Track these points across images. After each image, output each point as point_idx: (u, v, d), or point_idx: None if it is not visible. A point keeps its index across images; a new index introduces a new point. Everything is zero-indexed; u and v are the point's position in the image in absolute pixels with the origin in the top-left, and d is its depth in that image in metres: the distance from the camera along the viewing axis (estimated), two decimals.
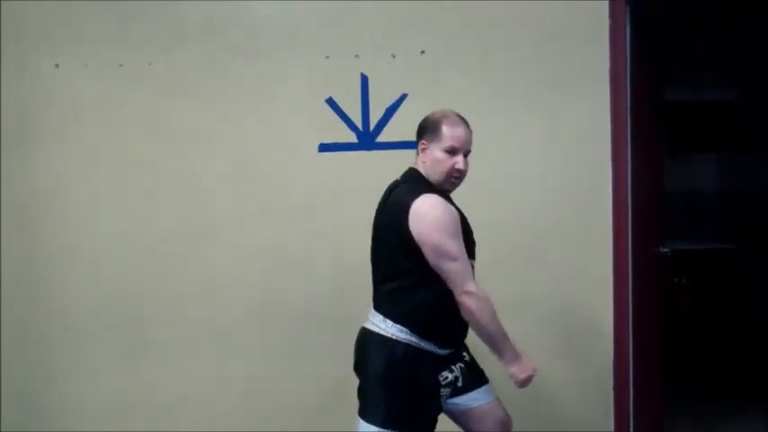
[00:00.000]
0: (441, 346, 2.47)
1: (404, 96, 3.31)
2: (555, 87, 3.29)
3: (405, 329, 2.42)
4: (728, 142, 5.35)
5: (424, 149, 2.51)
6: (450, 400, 2.55)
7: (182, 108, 3.44)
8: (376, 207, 2.58)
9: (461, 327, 2.50)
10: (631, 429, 3.34)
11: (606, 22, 3.25)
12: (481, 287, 2.42)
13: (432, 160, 2.48)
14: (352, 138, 3.36)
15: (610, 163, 3.27)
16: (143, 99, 3.46)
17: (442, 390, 2.48)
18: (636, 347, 3.35)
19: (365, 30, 3.36)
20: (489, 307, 2.41)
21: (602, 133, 3.27)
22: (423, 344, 2.43)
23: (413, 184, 2.48)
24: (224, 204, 3.45)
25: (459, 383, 2.53)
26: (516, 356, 2.45)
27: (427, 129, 2.51)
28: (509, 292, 3.26)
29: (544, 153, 3.32)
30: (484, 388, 2.62)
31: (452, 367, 2.51)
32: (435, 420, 2.52)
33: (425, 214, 2.37)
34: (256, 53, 3.41)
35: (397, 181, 2.57)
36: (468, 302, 2.37)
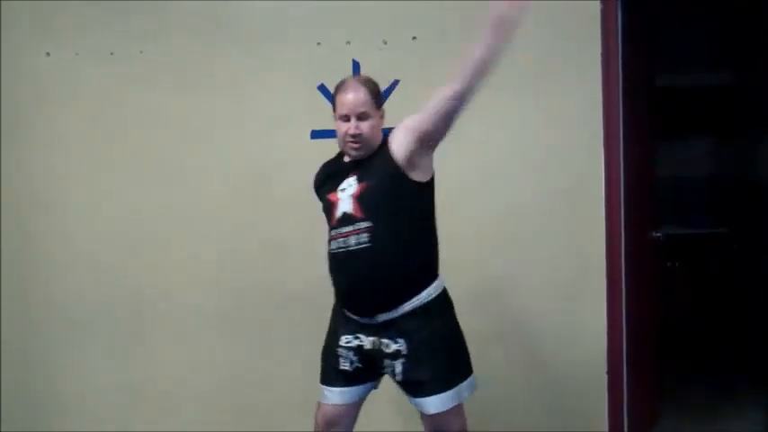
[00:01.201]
0: (342, 307, 2.53)
1: (396, 82, 3.30)
2: (547, 72, 3.28)
3: None
4: (721, 127, 5.37)
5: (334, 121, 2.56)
6: (407, 395, 2.49)
7: (173, 95, 3.44)
8: None
9: (343, 293, 2.52)
10: (625, 414, 3.36)
11: (598, 6, 3.25)
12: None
13: (336, 129, 2.52)
14: None
15: (602, 148, 3.27)
16: (134, 87, 3.46)
17: (340, 349, 2.50)
18: (629, 332, 3.36)
19: (356, 16, 3.36)
20: (449, 85, 2.37)
21: (594, 118, 3.26)
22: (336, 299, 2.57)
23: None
24: (217, 192, 3.45)
25: (396, 371, 2.42)
26: (495, 17, 2.35)
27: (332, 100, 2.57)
28: (502, 277, 3.30)
29: (536, 138, 3.31)
30: (422, 400, 2.42)
31: (361, 336, 2.45)
32: (349, 376, 2.51)
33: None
34: (248, 40, 3.41)
35: None
36: (450, 95, 2.40)
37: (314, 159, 3.34)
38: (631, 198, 3.39)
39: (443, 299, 2.50)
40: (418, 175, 2.44)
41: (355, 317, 2.47)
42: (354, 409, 2.59)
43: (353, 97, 2.46)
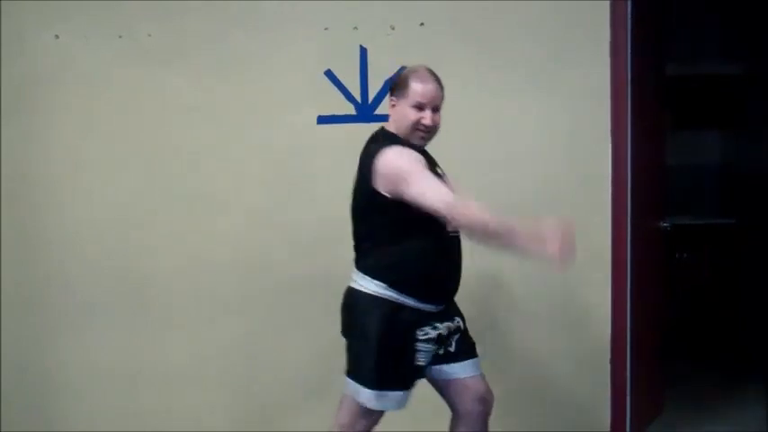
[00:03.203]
0: (422, 301, 2.46)
1: (403, 68, 3.25)
2: (555, 59, 3.26)
3: (383, 285, 2.44)
4: (732, 117, 5.34)
5: (393, 106, 2.54)
6: (436, 367, 2.55)
7: (181, 79, 3.44)
8: None
9: (441, 282, 2.51)
10: (628, 404, 3.36)
11: None
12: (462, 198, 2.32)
13: (400, 116, 2.49)
14: (350, 110, 3.35)
15: (609, 138, 3.26)
16: (142, 70, 3.46)
17: (420, 344, 2.46)
18: (633, 322, 3.35)
19: (364, 1, 3.34)
20: (473, 207, 2.26)
21: (602, 106, 3.25)
22: (401, 298, 2.43)
23: (381, 140, 2.50)
24: (223, 175, 3.46)
25: (452, 348, 2.54)
26: (532, 234, 2.15)
27: (397, 85, 2.54)
28: (506, 265, 3.28)
29: (543, 125, 3.30)
30: (469, 362, 2.61)
31: (437, 324, 2.49)
32: (415, 375, 2.51)
33: (384, 157, 2.40)
34: (255, 25, 3.40)
35: (366, 141, 2.58)
36: (456, 221, 2.33)
37: (320, 144, 3.38)
38: (638, 188, 3.37)
39: None
40: None
41: (431, 306, 2.48)
42: None
43: (434, 89, 2.49)
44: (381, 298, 2.44)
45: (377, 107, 3.32)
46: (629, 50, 3.27)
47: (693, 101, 5.39)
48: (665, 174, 4.14)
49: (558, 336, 3.34)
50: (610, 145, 3.26)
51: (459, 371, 2.58)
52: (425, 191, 2.31)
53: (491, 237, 2.28)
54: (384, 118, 3.24)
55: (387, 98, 2.64)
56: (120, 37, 3.46)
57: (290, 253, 3.44)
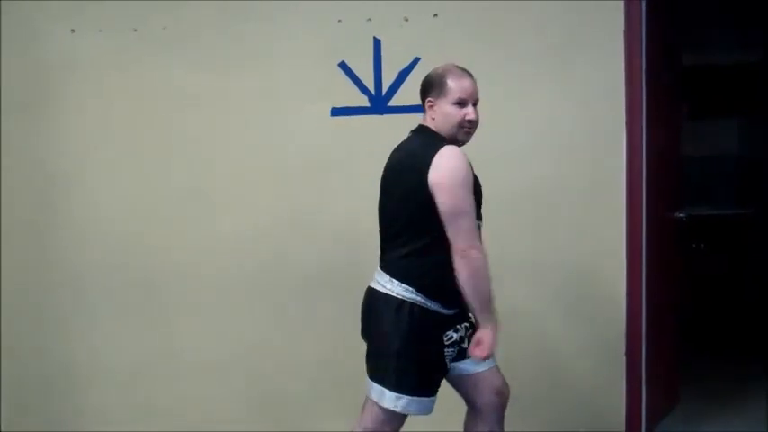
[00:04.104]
0: (446, 306, 2.45)
1: (416, 60, 3.28)
2: (569, 49, 3.24)
3: (411, 289, 2.41)
4: (748, 107, 5.29)
5: (431, 106, 2.50)
6: (452, 364, 2.54)
7: (195, 71, 3.45)
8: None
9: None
10: (644, 396, 3.34)
11: None
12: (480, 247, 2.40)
13: (441, 115, 2.47)
14: (364, 102, 3.35)
15: (624, 128, 3.24)
16: (157, 63, 3.48)
17: (446, 349, 2.47)
18: (649, 314, 3.34)
19: None
20: (487, 267, 2.40)
21: (616, 96, 3.22)
22: (428, 303, 2.42)
23: (428, 138, 2.47)
24: (238, 167, 3.47)
25: (465, 344, 2.52)
26: (494, 326, 2.41)
27: (433, 85, 2.50)
28: (522, 257, 3.28)
29: (558, 116, 3.28)
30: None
31: (458, 326, 2.50)
32: (441, 379, 2.52)
33: (447, 163, 2.35)
34: (270, 17, 3.40)
35: (406, 140, 2.54)
36: (470, 259, 2.35)
37: (333, 137, 3.37)
38: (653, 178, 3.36)
39: None
40: None
41: (451, 310, 2.47)
42: None
43: (472, 84, 2.48)
44: (408, 302, 2.42)
45: (391, 99, 3.32)
46: (644, 40, 3.24)
47: (710, 91, 5.35)
48: (681, 164, 4.11)
49: (573, 328, 3.33)
50: (624, 135, 3.24)
51: (473, 366, 2.56)
52: (468, 228, 2.37)
53: (478, 296, 2.38)
54: (398, 110, 3.29)
55: (423, 101, 2.56)
56: (134, 30, 3.48)
57: (302, 248, 3.44)
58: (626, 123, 3.23)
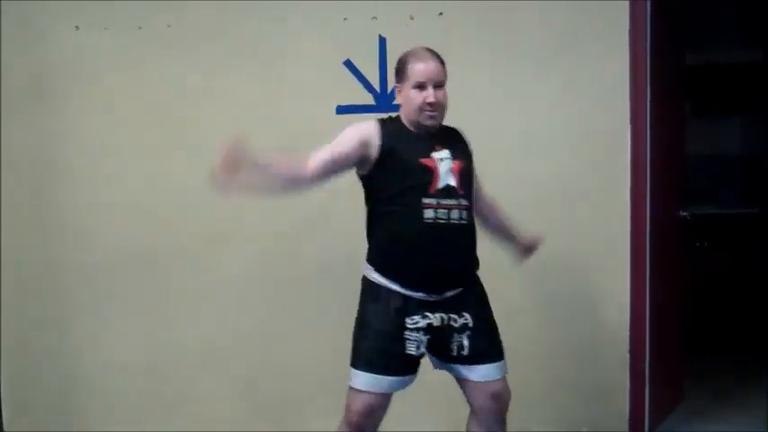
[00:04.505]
0: (406, 287, 2.43)
1: None
2: (574, 48, 3.25)
3: (372, 269, 2.48)
4: (753, 105, 5.29)
5: (399, 92, 2.53)
6: (450, 364, 2.52)
7: (199, 70, 3.46)
8: None
9: (424, 270, 2.42)
10: (647, 394, 3.35)
11: None
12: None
13: (405, 100, 2.49)
14: (369, 100, 3.36)
15: (629, 126, 3.24)
16: (161, 61, 3.48)
17: (409, 333, 2.42)
18: (652, 312, 3.34)
19: None
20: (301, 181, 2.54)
21: (621, 94, 3.23)
22: (390, 284, 2.44)
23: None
24: None
25: (465, 351, 2.46)
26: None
27: (397, 71, 2.53)
28: None
29: (562, 114, 3.29)
30: (482, 368, 2.50)
31: (428, 314, 2.43)
32: (408, 363, 2.47)
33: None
34: (274, 15, 3.41)
35: None
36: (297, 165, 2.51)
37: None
38: (658, 177, 3.36)
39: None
40: None
41: (421, 295, 2.43)
42: (390, 400, 2.56)
43: (432, 65, 2.47)
44: (375, 283, 2.47)
45: (396, 97, 3.31)
46: (649, 40, 3.24)
47: (714, 90, 5.35)
48: (685, 163, 4.11)
49: (576, 326, 3.34)
50: (629, 133, 3.24)
51: (468, 374, 2.51)
52: (324, 147, 2.52)
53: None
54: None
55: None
56: (139, 28, 3.48)
57: (307, 246, 3.45)
58: (630, 122, 3.24)
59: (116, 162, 3.54)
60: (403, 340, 2.43)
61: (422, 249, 2.41)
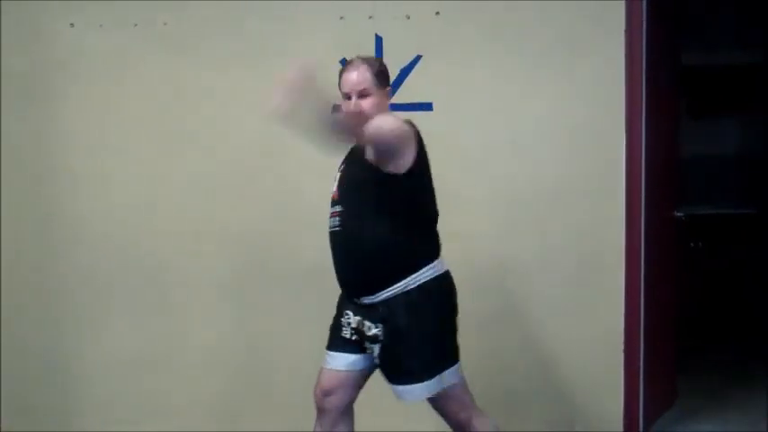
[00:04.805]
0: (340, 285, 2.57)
1: (418, 58, 3.29)
2: (570, 48, 3.25)
3: None
4: (749, 106, 5.30)
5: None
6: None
7: (196, 67, 3.45)
8: None
9: (339, 271, 2.54)
10: (641, 393, 3.36)
11: None
12: None
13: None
14: None
15: (624, 126, 3.25)
16: (158, 58, 3.47)
17: (343, 319, 2.55)
18: (647, 311, 3.35)
19: None
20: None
21: (616, 94, 3.24)
22: None
23: None
24: (239, 164, 3.47)
25: (377, 359, 2.49)
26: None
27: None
28: (521, 252, 3.30)
29: (557, 113, 3.29)
30: (397, 388, 2.46)
31: (349, 314, 2.53)
32: (341, 341, 2.56)
33: None
34: (270, 13, 3.40)
35: None
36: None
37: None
38: (653, 177, 3.37)
39: (431, 286, 2.44)
40: (390, 168, 2.39)
41: (346, 293, 2.57)
42: (351, 381, 2.57)
43: (353, 76, 2.47)
44: None
45: (392, 96, 3.30)
46: (645, 40, 3.25)
47: (711, 90, 5.36)
48: (680, 163, 4.12)
49: (571, 324, 3.34)
50: (624, 134, 3.25)
51: (394, 392, 2.47)
52: None
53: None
54: (399, 107, 3.28)
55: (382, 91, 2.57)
56: (135, 25, 3.47)
57: (310, 242, 3.42)
58: (626, 122, 3.25)
59: (115, 161, 3.53)
60: (340, 326, 2.56)
61: (333, 255, 2.55)
